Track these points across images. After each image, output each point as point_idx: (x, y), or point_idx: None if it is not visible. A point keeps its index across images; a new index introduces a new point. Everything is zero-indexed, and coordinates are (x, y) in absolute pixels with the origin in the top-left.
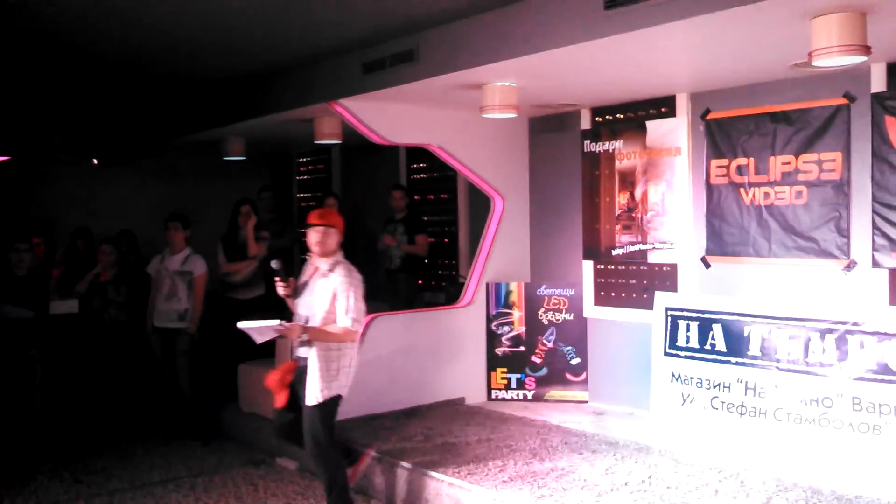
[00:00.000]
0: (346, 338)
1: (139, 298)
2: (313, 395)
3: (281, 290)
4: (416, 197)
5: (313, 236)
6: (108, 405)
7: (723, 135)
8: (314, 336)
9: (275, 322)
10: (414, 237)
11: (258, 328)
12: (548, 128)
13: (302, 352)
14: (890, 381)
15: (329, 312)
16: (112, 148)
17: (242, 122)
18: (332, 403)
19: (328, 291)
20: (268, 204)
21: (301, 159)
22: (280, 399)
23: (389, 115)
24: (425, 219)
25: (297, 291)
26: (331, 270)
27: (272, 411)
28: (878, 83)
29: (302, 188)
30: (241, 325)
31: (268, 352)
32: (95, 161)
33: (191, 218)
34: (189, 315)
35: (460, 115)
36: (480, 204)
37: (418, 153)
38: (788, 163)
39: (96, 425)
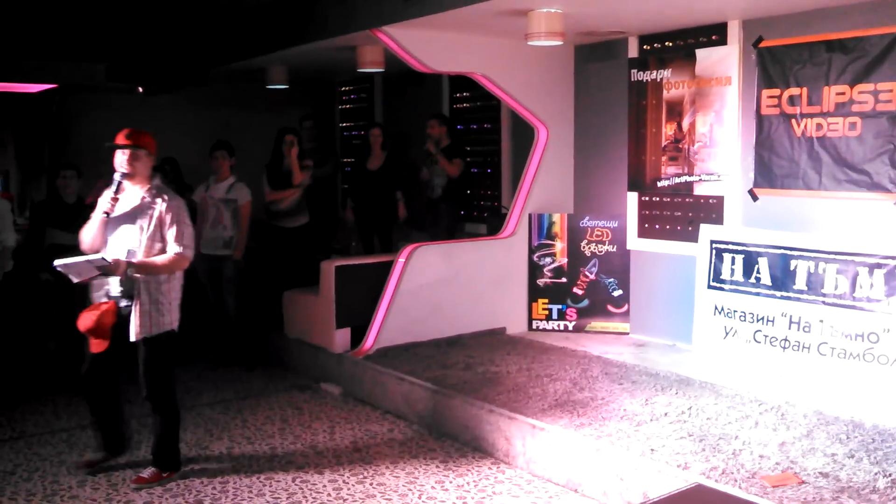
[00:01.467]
0: (176, 266)
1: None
2: (144, 331)
3: (106, 205)
4: (458, 126)
5: (119, 157)
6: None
7: (775, 64)
8: (142, 269)
9: (97, 257)
10: (451, 159)
11: (77, 265)
12: (594, 56)
13: (118, 290)
14: None
15: (154, 241)
16: (157, 76)
17: (285, 50)
18: (165, 338)
19: (152, 220)
20: (310, 133)
21: (343, 88)
22: (97, 345)
23: (433, 43)
24: (468, 148)
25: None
26: (152, 198)
27: (87, 356)
28: None
29: (344, 117)
30: (58, 262)
31: (313, 279)
32: (140, 89)
33: (234, 146)
34: (234, 242)
35: (505, 42)
36: (524, 134)
37: (462, 82)
38: (843, 93)
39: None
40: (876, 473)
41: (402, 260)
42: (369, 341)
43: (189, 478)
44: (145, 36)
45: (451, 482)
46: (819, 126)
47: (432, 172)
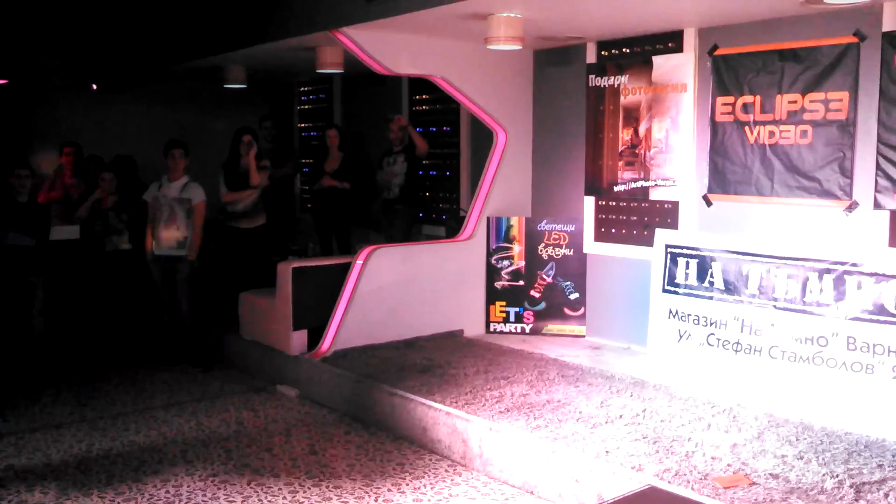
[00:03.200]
0: None
1: (140, 225)
2: None
3: None
4: (418, 129)
5: None
6: (111, 331)
7: (730, 72)
8: None
9: None
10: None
11: None
12: (553, 61)
13: None
14: (885, 322)
15: None
16: (111, 74)
17: (244, 50)
18: None
19: None
20: (269, 133)
21: (302, 88)
22: None
23: (393, 45)
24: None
25: None
26: None
27: None
28: (890, 22)
29: (303, 118)
30: None
31: (269, 281)
32: (94, 87)
33: (190, 146)
34: (189, 243)
35: (464, 46)
36: (483, 137)
37: (421, 84)
38: (795, 101)
39: (99, 351)
40: (824, 474)
41: (360, 262)
42: (326, 343)
43: (141, 481)
44: (100, 32)
45: (407, 484)
46: (771, 133)
47: (389, 172)
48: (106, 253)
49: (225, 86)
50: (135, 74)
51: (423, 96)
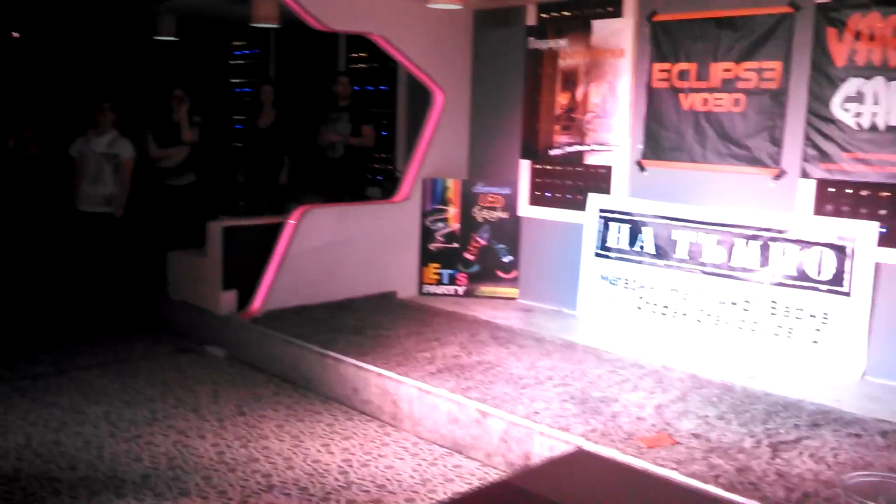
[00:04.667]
0: None
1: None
2: None
3: None
4: (355, 87)
5: None
6: (34, 290)
7: (667, 38)
8: None
9: None
10: (359, 127)
11: None
12: (492, 22)
13: None
14: (807, 287)
15: None
16: (36, 22)
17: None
18: None
19: None
20: (199, 88)
21: (236, 43)
22: None
23: (330, 0)
24: (373, 110)
25: None
26: None
27: None
28: None
29: (236, 73)
30: None
31: (199, 241)
32: (15, 34)
33: (118, 100)
34: (116, 200)
35: (404, 4)
36: (420, 98)
37: (359, 41)
38: (729, 70)
39: (19, 311)
40: (743, 434)
41: (292, 221)
42: (257, 304)
43: (62, 443)
44: None
45: (336, 445)
46: (705, 101)
47: (332, 131)
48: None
49: (155, 38)
50: (61, 23)
51: (361, 54)
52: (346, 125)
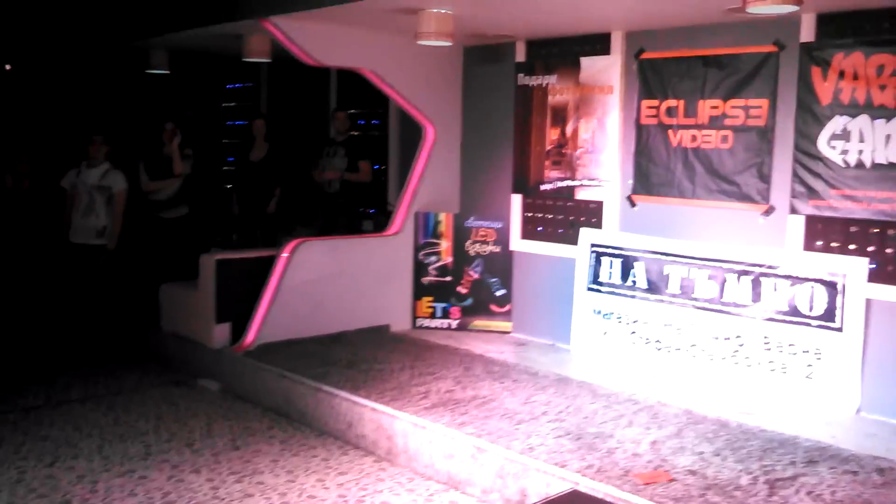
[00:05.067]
0: None
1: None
2: None
3: None
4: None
5: None
6: (23, 322)
7: (655, 75)
8: None
9: None
10: (356, 163)
11: None
12: (482, 58)
13: None
14: (799, 323)
15: None
16: (27, 54)
17: (169, 35)
18: None
19: None
20: (191, 122)
21: (228, 76)
22: None
23: (321, 36)
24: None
25: None
26: None
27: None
28: (808, 33)
29: (228, 107)
30: None
31: (191, 273)
32: (8, 67)
33: (111, 133)
34: (108, 232)
35: (395, 40)
36: (412, 132)
37: (350, 76)
38: (716, 107)
39: (9, 343)
40: (740, 471)
41: (285, 255)
42: (250, 337)
43: (56, 477)
44: (18, 11)
45: (331, 480)
46: (694, 137)
47: (328, 167)
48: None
49: (147, 71)
50: (53, 55)
51: (353, 88)
52: (343, 160)
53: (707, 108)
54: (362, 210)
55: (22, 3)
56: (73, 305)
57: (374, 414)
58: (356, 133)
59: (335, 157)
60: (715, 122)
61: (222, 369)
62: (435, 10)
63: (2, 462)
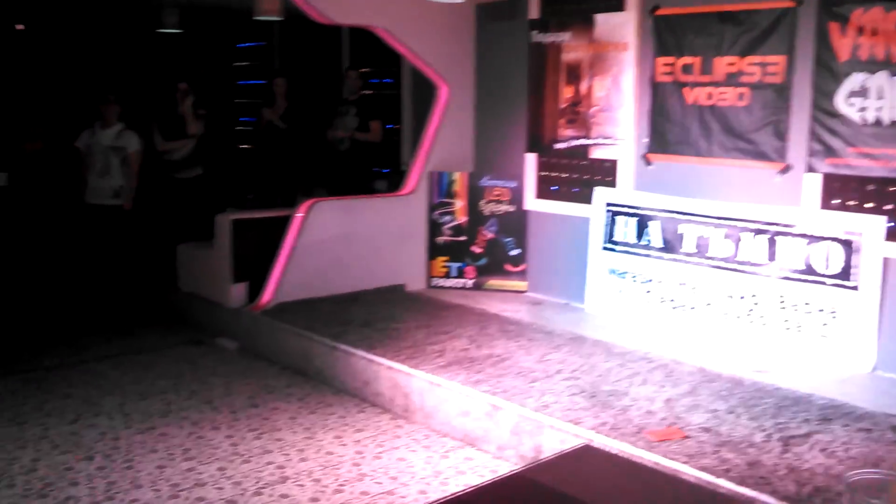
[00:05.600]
0: None
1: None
2: None
3: None
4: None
5: None
6: (41, 282)
7: (670, 32)
8: None
9: None
10: (367, 122)
11: None
12: (496, 16)
13: None
14: (814, 282)
15: None
16: (40, 15)
17: None
18: None
19: None
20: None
21: (240, 36)
22: None
23: None
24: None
25: None
26: None
27: None
28: None
29: (240, 67)
30: None
31: (207, 233)
32: (20, 27)
33: (124, 93)
34: (124, 192)
35: None
36: (425, 91)
37: (363, 34)
38: (733, 64)
39: (28, 304)
40: (753, 428)
41: (300, 214)
42: (266, 296)
43: (79, 434)
44: None
45: (349, 437)
46: (710, 95)
47: (340, 126)
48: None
49: (159, 30)
50: (65, 16)
51: (365, 47)
52: (354, 119)
53: (723, 65)
54: (376, 170)
55: None
56: (91, 266)
57: (390, 372)
58: (369, 92)
59: (347, 116)
60: (731, 80)
61: (240, 328)
62: None
63: (26, 419)
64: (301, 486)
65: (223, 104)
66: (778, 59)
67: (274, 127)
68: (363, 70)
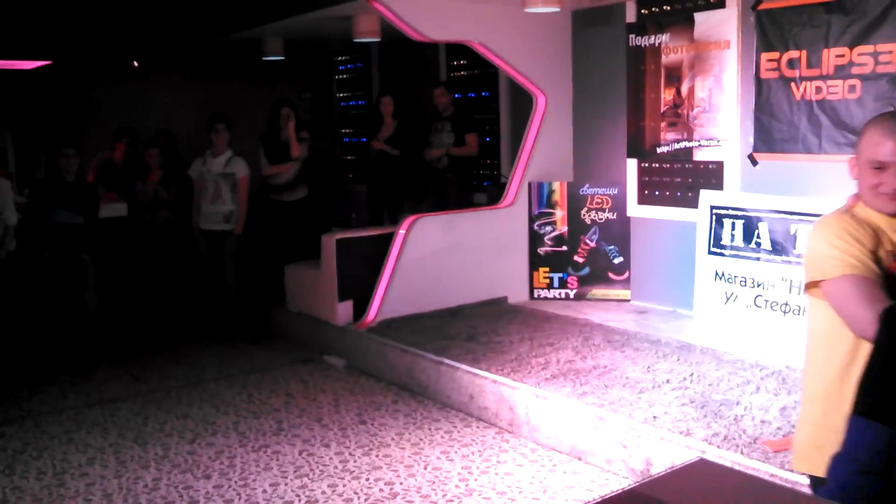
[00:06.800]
0: None
1: (186, 198)
2: None
3: None
4: (457, 95)
5: None
6: (161, 307)
7: (774, 27)
8: None
9: None
10: (463, 136)
11: None
12: (591, 22)
13: None
14: None
15: None
16: (152, 50)
17: (280, 21)
18: None
19: None
20: (307, 105)
21: (339, 58)
22: None
23: (428, 11)
24: (475, 117)
25: None
26: None
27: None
28: None
29: (341, 88)
30: None
31: (314, 253)
32: (135, 64)
33: (231, 120)
34: (234, 217)
35: (501, 9)
36: (522, 102)
37: (458, 50)
38: (842, 55)
39: (150, 326)
40: None
41: (402, 231)
42: (371, 313)
43: (196, 453)
44: (139, 9)
45: (455, 452)
46: (818, 89)
47: (437, 144)
48: (154, 228)
49: (263, 58)
50: (174, 50)
51: (462, 61)
52: (450, 135)
53: (832, 56)
54: (475, 183)
55: (143, 1)
56: (203, 289)
57: (494, 386)
58: (461, 105)
59: (442, 133)
60: (841, 72)
61: (347, 346)
62: None
63: (148, 439)
64: (410, 502)
65: (325, 126)
66: (891, 48)
67: (385, 155)
68: (460, 81)
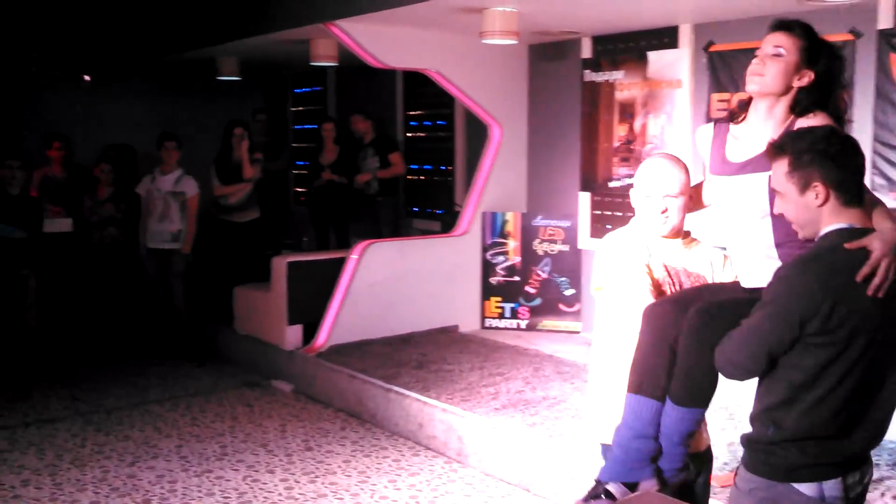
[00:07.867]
0: None
1: (135, 216)
2: None
3: None
4: (412, 123)
5: None
6: (104, 325)
7: (725, 68)
8: None
9: None
10: (387, 158)
11: None
12: (548, 56)
13: None
14: None
15: None
16: (104, 65)
17: (237, 42)
18: None
19: None
20: (262, 126)
21: (297, 81)
22: None
23: (386, 38)
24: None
25: None
26: None
27: None
28: (885, 20)
29: (297, 111)
30: None
31: (263, 275)
32: (87, 78)
33: (182, 138)
34: (183, 236)
35: (459, 40)
36: (478, 131)
37: (417, 77)
38: None
39: (92, 345)
40: None
41: (354, 256)
42: (321, 338)
43: (136, 476)
44: (92, 23)
45: (403, 481)
46: None
47: (365, 169)
48: (100, 245)
49: (218, 78)
50: (127, 66)
51: (419, 89)
52: (374, 159)
53: None
54: (429, 211)
55: (97, 16)
56: (149, 308)
57: (444, 415)
58: (383, 128)
59: (367, 159)
60: None
61: (295, 371)
62: (499, 9)
63: (86, 461)
64: None
65: (279, 148)
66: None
67: (334, 184)
68: (416, 112)
